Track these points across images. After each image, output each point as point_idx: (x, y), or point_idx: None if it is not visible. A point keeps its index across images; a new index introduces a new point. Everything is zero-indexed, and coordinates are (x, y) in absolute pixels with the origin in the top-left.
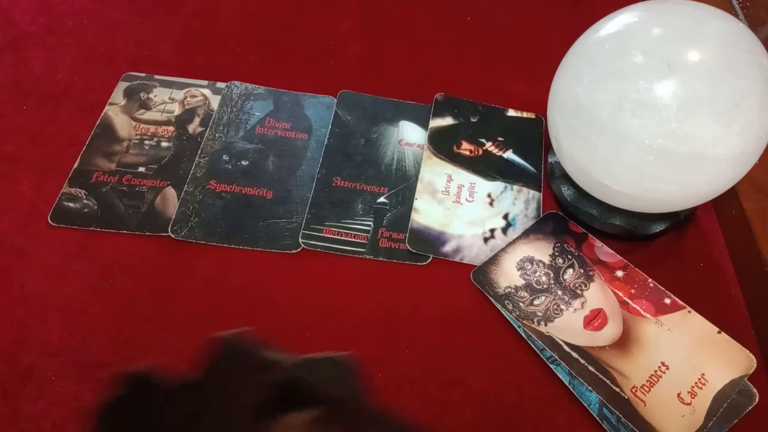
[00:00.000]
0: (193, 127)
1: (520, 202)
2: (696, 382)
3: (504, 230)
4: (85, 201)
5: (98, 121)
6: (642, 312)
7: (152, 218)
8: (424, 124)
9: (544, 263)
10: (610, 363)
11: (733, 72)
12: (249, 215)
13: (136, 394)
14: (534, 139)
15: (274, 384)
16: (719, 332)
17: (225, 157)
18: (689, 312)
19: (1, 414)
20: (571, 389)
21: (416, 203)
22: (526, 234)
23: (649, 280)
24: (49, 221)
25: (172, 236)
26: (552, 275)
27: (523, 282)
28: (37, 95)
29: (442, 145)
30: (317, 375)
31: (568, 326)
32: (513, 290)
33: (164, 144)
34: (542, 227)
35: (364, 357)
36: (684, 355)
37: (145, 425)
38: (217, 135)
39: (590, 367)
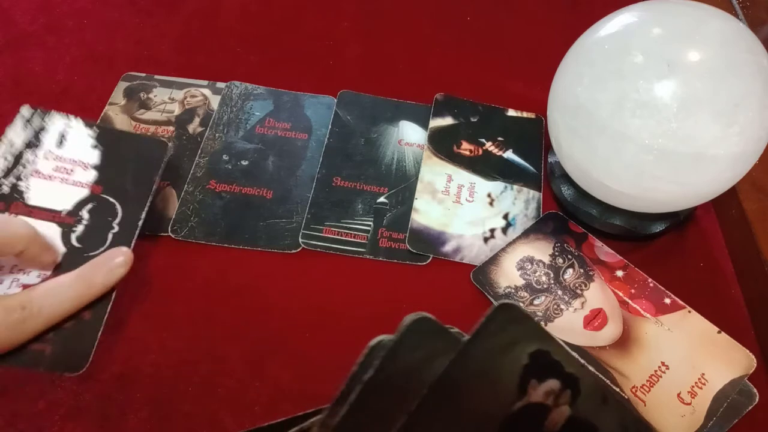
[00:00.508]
0: (193, 127)
1: (520, 202)
2: (696, 382)
3: (504, 230)
4: None
5: (98, 121)
6: (642, 312)
7: (152, 218)
8: (424, 124)
9: (544, 263)
10: (610, 363)
11: (733, 72)
12: (249, 215)
13: (409, 335)
14: (534, 139)
15: (531, 353)
16: (719, 332)
17: (225, 157)
18: (689, 312)
19: (1, 414)
20: None
21: (416, 203)
22: (526, 234)
23: (649, 279)
24: None
25: (172, 236)
26: (552, 275)
27: (523, 282)
28: (37, 95)
29: (442, 145)
30: (560, 353)
31: (568, 326)
32: (513, 290)
33: None
34: (542, 227)
35: None
36: (684, 355)
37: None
38: (217, 135)
39: (590, 367)
